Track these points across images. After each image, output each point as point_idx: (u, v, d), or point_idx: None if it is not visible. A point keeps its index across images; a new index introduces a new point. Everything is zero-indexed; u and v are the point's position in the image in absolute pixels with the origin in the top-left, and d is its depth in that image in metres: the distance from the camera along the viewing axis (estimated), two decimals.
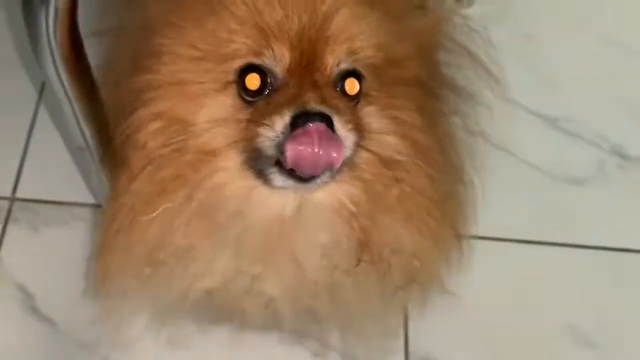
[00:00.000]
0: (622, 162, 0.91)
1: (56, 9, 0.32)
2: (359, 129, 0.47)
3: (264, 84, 0.45)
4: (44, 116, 0.83)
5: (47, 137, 0.82)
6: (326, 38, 0.46)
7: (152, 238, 0.48)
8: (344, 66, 0.47)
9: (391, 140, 0.49)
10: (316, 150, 0.41)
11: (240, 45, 0.45)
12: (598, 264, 0.82)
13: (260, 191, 0.47)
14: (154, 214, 0.46)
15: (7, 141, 0.81)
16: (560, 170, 0.89)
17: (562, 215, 0.85)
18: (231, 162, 0.46)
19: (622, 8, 1.03)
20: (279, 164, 0.44)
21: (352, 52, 0.47)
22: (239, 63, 0.45)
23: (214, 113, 0.45)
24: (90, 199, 0.77)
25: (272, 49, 0.44)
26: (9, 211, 0.77)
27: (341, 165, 0.44)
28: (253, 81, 0.45)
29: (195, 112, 0.45)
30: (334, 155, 0.42)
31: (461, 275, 0.68)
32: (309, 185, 0.45)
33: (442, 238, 0.55)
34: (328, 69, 0.46)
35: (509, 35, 0.99)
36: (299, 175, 0.44)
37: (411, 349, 0.73)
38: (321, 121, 0.41)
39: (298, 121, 0.41)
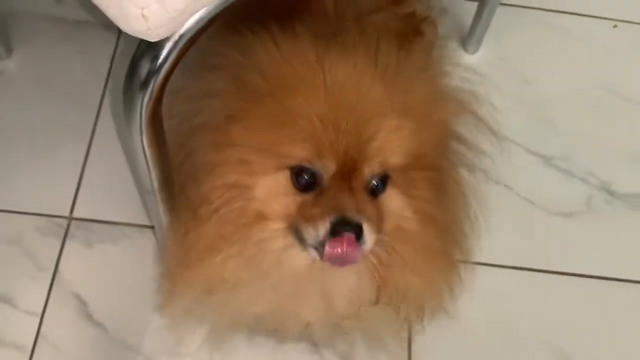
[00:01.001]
0: (610, 198, 1.00)
1: (151, 92, 0.43)
2: (381, 218, 0.57)
3: (313, 182, 0.55)
4: (98, 146, 0.94)
5: (101, 164, 0.93)
6: (365, 156, 0.55)
7: (209, 275, 0.59)
8: (376, 173, 0.56)
9: (407, 214, 0.59)
10: (345, 252, 0.52)
11: (300, 152, 0.54)
12: (585, 290, 0.91)
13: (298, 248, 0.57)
14: (216, 259, 0.57)
15: (66, 166, 0.92)
16: (552, 204, 0.98)
17: (553, 246, 0.95)
18: (279, 227, 0.56)
19: (614, 57, 1.13)
20: (317, 248, 0.54)
21: (384, 165, 0.56)
22: (291, 162, 0.55)
23: (271, 186, 0.55)
24: (139, 220, 0.88)
25: (323, 162, 0.54)
26: (67, 229, 0.88)
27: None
28: (302, 179, 0.55)
29: (256, 184, 0.55)
30: (357, 255, 0.53)
31: (461, 299, 0.78)
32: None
33: (446, 278, 0.66)
34: (364, 178, 0.56)
35: (510, 79, 1.09)
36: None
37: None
38: (353, 230, 0.52)
39: (337, 228, 0.52)
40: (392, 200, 0.59)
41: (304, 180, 0.55)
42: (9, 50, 0.99)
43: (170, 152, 0.57)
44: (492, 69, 1.10)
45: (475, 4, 1.04)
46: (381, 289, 0.62)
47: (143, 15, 0.38)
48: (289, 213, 0.56)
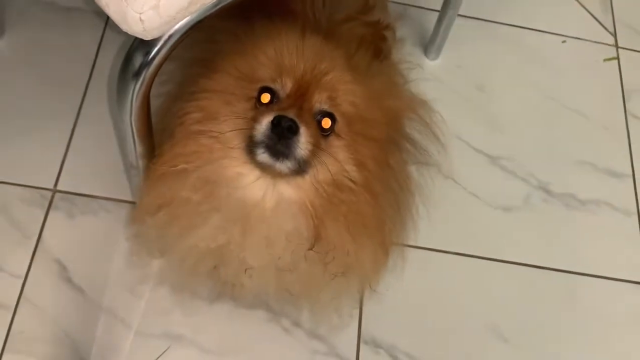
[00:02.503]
0: (546, 196, 1.11)
1: (142, 81, 0.52)
2: (319, 148, 0.65)
3: (272, 100, 0.66)
4: (83, 125, 1.02)
5: (85, 142, 1.00)
6: (317, 84, 0.66)
7: (168, 188, 0.67)
8: (324, 107, 0.66)
9: (348, 168, 0.67)
10: (281, 141, 0.62)
11: (264, 74, 0.66)
12: (518, 276, 1.02)
13: (251, 178, 0.65)
14: (175, 168, 0.65)
15: (52, 142, 0.99)
16: (494, 199, 1.08)
17: (492, 236, 1.06)
18: (235, 149, 0.64)
19: (561, 70, 1.24)
20: (264, 148, 0.63)
21: (331, 99, 0.66)
22: (260, 85, 0.66)
23: (235, 110, 0.65)
24: (118, 195, 0.96)
25: (282, 80, 0.66)
26: (51, 200, 0.96)
27: (299, 163, 0.63)
28: (266, 96, 0.65)
29: (224, 109, 0.65)
30: (291, 149, 0.63)
31: (397, 277, 0.88)
32: (279, 164, 0.63)
33: (373, 248, 0.73)
34: (312, 103, 0.66)
35: (466, 85, 1.20)
36: (273, 154, 0.63)
37: (363, 329, 0.93)
38: (290, 124, 0.61)
39: (277, 119, 0.61)
40: (337, 149, 0.67)
41: (265, 99, 0.65)
42: (1, 32, 1.06)
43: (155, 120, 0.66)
44: (450, 75, 1.21)
45: (437, 14, 1.15)
46: (316, 239, 0.68)
47: (141, 19, 0.47)
48: (248, 124, 0.64)
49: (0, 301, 0.88)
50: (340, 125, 0.68)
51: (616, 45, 1.29)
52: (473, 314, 0.99)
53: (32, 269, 0.91)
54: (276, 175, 0.65)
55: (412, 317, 0.97)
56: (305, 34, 0.71)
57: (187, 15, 0.51)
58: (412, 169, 0.85)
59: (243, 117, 0.64)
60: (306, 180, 0.66)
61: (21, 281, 0.89)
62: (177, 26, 0.51)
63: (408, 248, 1.01)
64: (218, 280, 0.79)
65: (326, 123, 0.66)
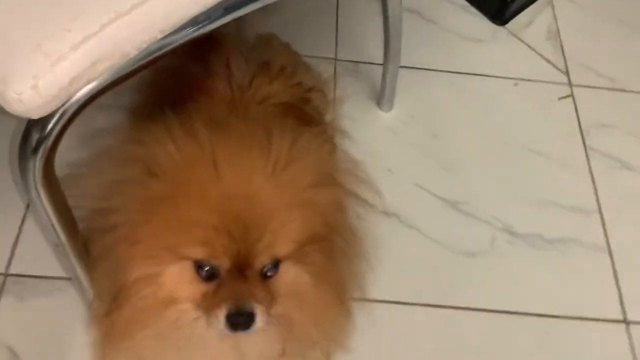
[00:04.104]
0: (511, 238, 1.09)
1: (42, 157, 0.52)
2: (272, 294, 0.64)
3: (213, 274, 0.62)
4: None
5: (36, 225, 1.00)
6: (255, 253, 0.61)
7: (130, 353, 0.67)
8: (268, 263, 0.63)
9: (302, 280, 0.66)
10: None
11: (197, 254, 0.61)
12: (488, 323, 0.99)
13: (212, 337, 0.64)
14: (134, 341, 0.65)
15: (3, 228, 0.99)
16: (459, 245, 1.06)
17: (460, 283, 1.04)
18: (188, 307, 0.64)
19: (515, 112, 1.25)
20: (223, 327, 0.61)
21: (273, 256, 0.63)
22: (194, 259, 0.61)
23: (177, 275, 0.62)
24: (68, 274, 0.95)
25: (218, 261, 0.61)
26: (3, 285, 0.94)
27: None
28: (203, 273, 0.61)
29: (163, 273, 0.62)
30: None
31: (366, 333, 0.85)
32: (239, 333, 0.62)
33: (339, 323, 0.74)
34: (255, 269, 0.62)
35: (420, 134, 1.20)
36: (233, 330, 0.61)
37: None
38: (246, 318, 0.61)
39: (231, 320, 0.60)
40: (286, 272, 0.65)
41: (204, 272, 0.62)
42: None
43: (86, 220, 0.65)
44: (404, 125, 1.22)
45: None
46: (286, 344, 0.69)
47: (20, 100, 0.47)
48: (195, 299, 0.63)
49: None
50: (285, 259, 0.65)
51: (569, 83, 1.30)
52: None
53: None
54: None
55: None
56: (218, 167, 0.62)
57: (73, 93, 0.51)
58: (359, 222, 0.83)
59: (189, 285, 0.63)
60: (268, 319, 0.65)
61: None
62: (73, 99, 0.51)
63: (374, 303, 0.99)
64: None
65: (272, 272, 0.64)
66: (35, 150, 0.52)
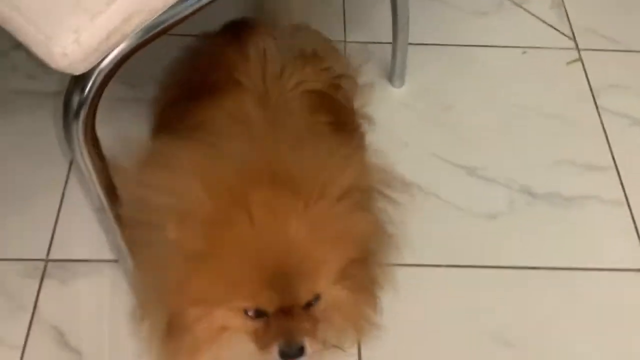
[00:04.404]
0: (530, 199, 1.12)
1: (84, 119, 0.56)
2: (318, 320, 0.67)
3: (261, 313, 0.65)
4: (69, 198, 1.07)
5: (73, 211, 1.05)
6: (299, 295, 0.65)
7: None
8: (311, 298, 0.66)
9: (340, 294, 0.68)
10: None
11: (246, 305, 0.64)
12: (513, 280, 1.01)
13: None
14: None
15: (41, 216, 1.04)
16: (479, 209, 1.09)
17: (482, 244, 1.06)
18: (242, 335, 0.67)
19: (525, 78, 1.27)
20: None
21: (316, 292, 0.66)
22: (243, 306, 0.65)
23: (228, 317, 0.66)
24: (108, 257, 0.99)
25: (264, 308, 0.64)
26: (44, 270, 0.99)
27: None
28: (251, 315, 0.65)
29: (216, 314, 0.65)
30: None
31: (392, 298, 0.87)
32: None
33: (370, 310, 0.75)
34: (301, 305, 0.65)
35: (433, 106, 1.24)
36: None
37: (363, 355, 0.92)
38: (297, 352, 0.64)
39: (284, 355, 0.64)
40: (327, 295, 0.68)
41: (252, 313, 0.65)
42: None
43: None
44: (417, 100, 1.25)
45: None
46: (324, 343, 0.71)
47: (65, 54, 0.52)
48: (247, 332, 0.66)
49: None
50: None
51: (577, 48, 1.33)
52: (475, 325, 0.97)
53: (29, 338, 0.93)
54: None
55: (412, 337, 0.95)
56: (252, 212, 0.63)
57: (112, 47, 0.56)
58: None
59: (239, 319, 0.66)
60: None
61: (19, 352, 0.91)
62: (106, 61, 0.56)
63: (400, 267, 1.01)
64: None
65: (315, 302, 0.67)
66: (77, 112, 0.57)
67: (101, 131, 0.67)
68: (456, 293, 1.00)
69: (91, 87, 0.57)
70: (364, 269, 0.71)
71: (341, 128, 0.86)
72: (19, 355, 0.91)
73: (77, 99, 0.58)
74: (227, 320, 0.66)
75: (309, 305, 0.66)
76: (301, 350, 0.65)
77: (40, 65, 1.03)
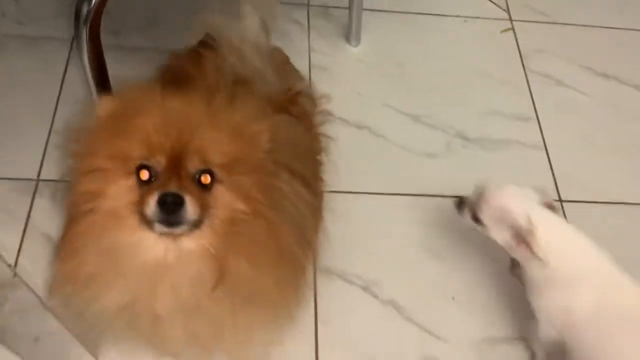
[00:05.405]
0: (464, 142, 1.30)
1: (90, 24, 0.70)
2: (206, 203, 0.71)
3: (151, 176, 0.71)
4: (57, 128, 1.19)
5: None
6: (187, 150, 0.70)
7: (75, 268, 0.75)
8: (199, 167, 0.71)
9: (236, 206, 0.73)
10: (169, 214, 0.69)
11: (136, 153, 0.71)
12: (445, 205, 1.18)
13: (151, 241, 0.71)
14: (78, 255, 0.73)
15: (32, 142, 1.16)
16: (420, 149, 1.26)
17: (421, 177, 1.23)
18: (130, 220, 0.71)
19: (466, 43, 1.46)
20: (157, 222, 0.70)
21: (203, 159, 0.71)
22: (135, 163, 0.71)
23: (122, 187, 0.72)
24: None
25: (155, 158, 0.70)
26: (36, 188, 1.11)
27: (193, 223, 0.70)
28: (144, 174, 0.70)
29: (110, 188, 0.71)
30: (181, 218, 0.69)
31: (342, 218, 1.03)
32: (175, 229, 0.70)
33: (275, 272, 0.77)
34: (188, 169, 0.71)
35: (386, 63, 1.40)
36: (167, 225, 0.70)
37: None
38: (174, 199, 0.68)
39: (162, 199, 0.68)
40: (223, 194, 0.73)
41: (145, 176, 0.71)
42: None
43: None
44: (372, 57, 1.42)
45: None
46: (219, 278, 0.73)
47: None
48: (136, 202, 0.71)
49: None
50: (219, 174, 0.73)
51: (510, 19, 1.52)
52: (409, 239, 1.14)
53: (23, 243, 1.05)
54: (174, 236, 0.72)
55: (359, 245, 1.11)
56: (165, 100, 0.74)
57: None
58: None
59: (127, 192, 0.71)
60: (203, 230, 0.72)
61: (15, 254, 1.03)
62: None
63: (351, 194, 1.18)
64: (135, 333, 0.82)
65: (205, 179, 0.72)
66: (86, 19, 0.71)
67: None
68: (399, 218, 1.17)
69: None
70: (269, 200, 0.75)
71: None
72: (14, 257, 1.03)
73: (85, 8, 0.71)
74: (118, 194, 0.71)
75: (200, 182, 0.71)
76: (180, 201, 0.67)
77: (27, 13, 1.16)
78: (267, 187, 0.76)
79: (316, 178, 0.97)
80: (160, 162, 0.71)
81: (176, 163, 0.71)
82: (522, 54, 1.45)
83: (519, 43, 1.47)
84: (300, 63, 1.22)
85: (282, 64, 1.08)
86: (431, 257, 1.13)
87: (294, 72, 1.12)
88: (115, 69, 0.99)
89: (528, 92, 1.39)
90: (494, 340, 1.05)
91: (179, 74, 0.95)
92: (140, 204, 0.71)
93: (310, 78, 1.32)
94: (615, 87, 1.42)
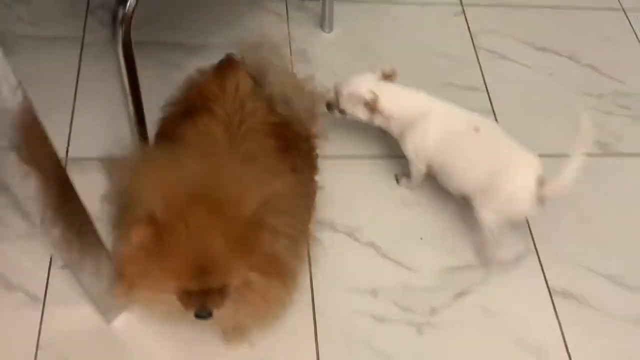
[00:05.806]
0: None
1: (125, 25, 0.91)
2: (226, 294, 0.87)
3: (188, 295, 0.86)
4: (79, 110, 1.38)
5: (83, 124, 1.36)
6: (211, 284, 0.85)
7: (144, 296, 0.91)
8: (219, 285, 0.86)
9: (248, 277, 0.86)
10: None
11: (172, 287, 0.86)
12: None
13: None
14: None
15: (58, 122, 1.34)
16: None
17: (387, 142, 1.46)
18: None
19: (428, 29, 1.68)
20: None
21: (223, 284, 0.86)
22: (174, 289, 0.86)
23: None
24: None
25: (191, 289, 0.85)
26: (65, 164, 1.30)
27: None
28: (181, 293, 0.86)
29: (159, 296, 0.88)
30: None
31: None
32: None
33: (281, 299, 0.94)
34: (215, 288, 0.86)
35: (356, 47, 1.62)
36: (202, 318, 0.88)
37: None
38: (206, 314, 0.88)
39: (197, 315, 0.88)
40: (237, 280, 0.87)
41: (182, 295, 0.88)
42: None
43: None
44: (343, 41, 1.63)
45: None
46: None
47: None
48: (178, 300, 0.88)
49: None
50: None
51: (461, 4, 1.75)
52: (383, 193, 1.38)
53: None
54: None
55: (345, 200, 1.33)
56: (186, 215, 0.82)
57: None
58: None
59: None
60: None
61: None
62: None
63: (334, 159, 1.40)
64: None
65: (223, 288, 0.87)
66: (122, 21, 0.91)
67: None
68: (376, 178, 1.40)
69: (131, 3, 0.92)
70: (271, 264, 0.88)
71: (291, 149, 1.04)
72: None
73: (121, 12, 0.92)
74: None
75: (223, 286, 0.86)
76: (210, 314, 0.88)
77: (39, 14, 1.32)
78: (268, 258, 0.88)
79: (311, 177, 1.15)
80: (193, 289, 0.86)
81: (205, 289, 0.86)
82: (472, 34, 1.69)
83: (469, 25, 1.70)
84: (282, 50, 1.42)
85: (312, 105, 1.18)
86: (401, 206, 1.36)
87: (301, 88, 1.17)
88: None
89: (478, 67, 1.62)
90: (454, 269, 1.29)
91: (203, 91, 1.05)
92: (183, 303, 0.88)
93: (291, 63, 1.53)
94: (552, 58, 1.67)
